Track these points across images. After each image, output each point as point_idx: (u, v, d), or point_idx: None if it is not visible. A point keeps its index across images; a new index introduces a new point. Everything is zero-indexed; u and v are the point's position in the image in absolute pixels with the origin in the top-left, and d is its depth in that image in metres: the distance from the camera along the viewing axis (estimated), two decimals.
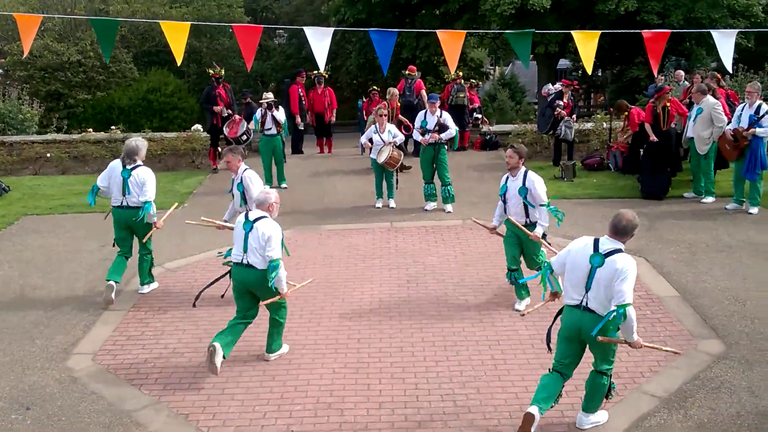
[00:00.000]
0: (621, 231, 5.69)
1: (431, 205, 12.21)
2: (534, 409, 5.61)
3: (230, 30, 29.17)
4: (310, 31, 10.55)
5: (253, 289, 7.02)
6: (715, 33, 10.96)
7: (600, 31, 10.72)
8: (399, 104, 16.09)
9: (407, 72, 17.10)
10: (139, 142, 8.93)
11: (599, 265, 5.58)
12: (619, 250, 5.62)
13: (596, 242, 5.73)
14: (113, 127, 18.50)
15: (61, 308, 8.56)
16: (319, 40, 10.43)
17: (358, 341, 7.55)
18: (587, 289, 5.65)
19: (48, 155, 16.65)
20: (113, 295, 8.54)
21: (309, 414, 6.25)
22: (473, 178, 14.40)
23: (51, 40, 24.48)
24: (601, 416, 6.05)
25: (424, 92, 16.82)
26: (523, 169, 8.11)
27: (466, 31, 12.26)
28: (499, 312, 8.16)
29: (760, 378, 6.61)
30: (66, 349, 7.54)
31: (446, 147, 12.32)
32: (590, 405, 5.98)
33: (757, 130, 11.28)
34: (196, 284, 9.19)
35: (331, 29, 10.92)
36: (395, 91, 15.20)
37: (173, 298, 8.80)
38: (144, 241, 8.87)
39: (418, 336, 7.63)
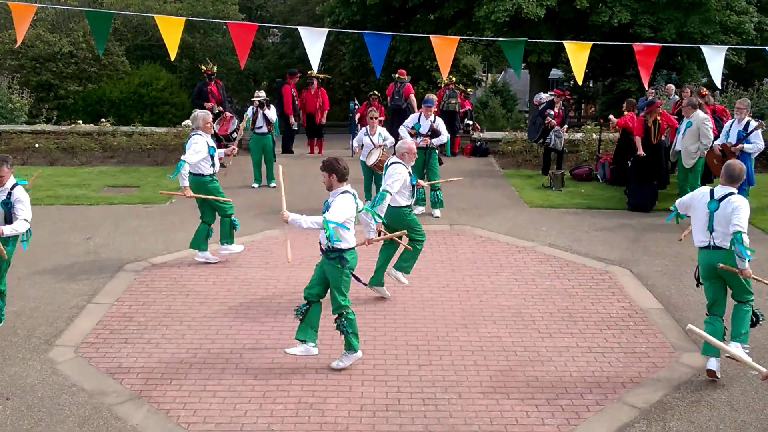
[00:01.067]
0: (736, 178, 6.68)
1: (419, 209, 12.22)
2: (712, 362, 6.74)
3: (224, 27, 29.10)
4: (304, 32, 10.56)
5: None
6: (705, 48, 11.08)
7: (592, 42, 10.79)
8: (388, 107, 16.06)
9: (397, 75, 17.15)
10: (197, 112, 9.80)
11: (716, 209, 6.65)
12: (732, 193, 6.64)
13: (712, 192, 6.77)
14: (103, 119, 18.42)
15: (45, 299, 8.52)
16: (314, 41, 10.45)
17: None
18: (711, 230, 6.72)
19: (36, 146, 16.57)
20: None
21: (290, 413, 6.25)
22: (463, 183, 14.39)
23: (43, 30, 24.34)
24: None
25: (412, 96, 16.87)
26: (342, 187, 6.90)
27: (459, 37, 12.29)
28: (483, 318, 8.19)
29: (740, 392, 6.66)
30: (48, 341, 7.50)
31: (437, 152, 12.36)
32: (740, 334, 6.81)
33: (746, 146, 11.39)
34: (182, 279, 9.18)
35: (326, 30, 10.95)
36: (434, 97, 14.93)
37: (157, 293, 8.77)
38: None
39: (402, 339, 7.64)
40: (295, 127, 17.24)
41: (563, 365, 7.16)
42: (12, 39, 21.09)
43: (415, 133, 12.00)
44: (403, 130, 12.21)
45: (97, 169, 15.46)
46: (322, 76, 17.04)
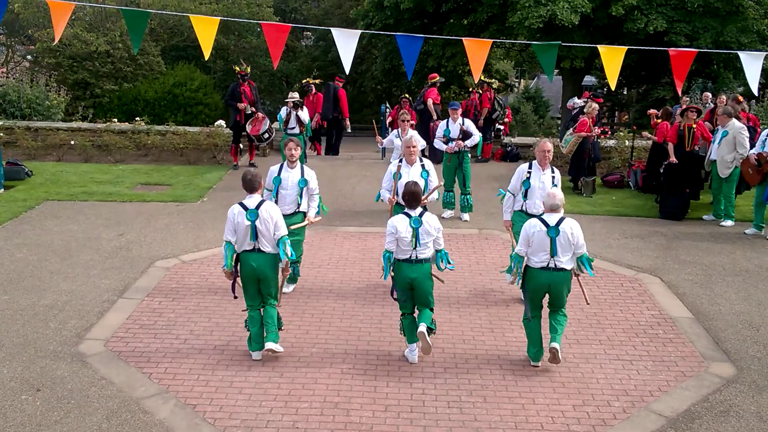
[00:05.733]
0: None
1: (448, 213, 12.21)
2: None
3: (258, 29, 29.31)
4: (337, 33, 10.60)
5: None
6: (742, 54, 10.90)
7: (626, 47, 10.66)
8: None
9: (437, 79, 17.22)
10: None
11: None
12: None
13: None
14: (138, 118, 18.64)
15: (77, 293, 8.65)
16: (346, 43, 10.47)
17: (367, 343, 7.57)
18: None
19: (72, 142, 16.81)
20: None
21: (315, 412, 6.27)
22: (492, 188, 14.37)
23: (81, 29, 24.68)
24: None
25: (431, 101, 16.82)
26: None
27: (492, 39, 12.23)
28: (509, 322, 8.16)
29: None
30: (79, 334, 7.61)
31: (470, 155, 12.33)
32: None
33: None
34: (211, 278, 9.26)
35: (358, 31, 10.96)
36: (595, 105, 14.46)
37: (187, 290, 8.86)
38: None
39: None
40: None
41: (590, 372, 7.10)
42: (50, 37, 21.44)
43: (446, 139, 11.99)
44: (438, 143, 12.16)
45: (131, 167, 15.66)
46: (318, 81, 17.30)
